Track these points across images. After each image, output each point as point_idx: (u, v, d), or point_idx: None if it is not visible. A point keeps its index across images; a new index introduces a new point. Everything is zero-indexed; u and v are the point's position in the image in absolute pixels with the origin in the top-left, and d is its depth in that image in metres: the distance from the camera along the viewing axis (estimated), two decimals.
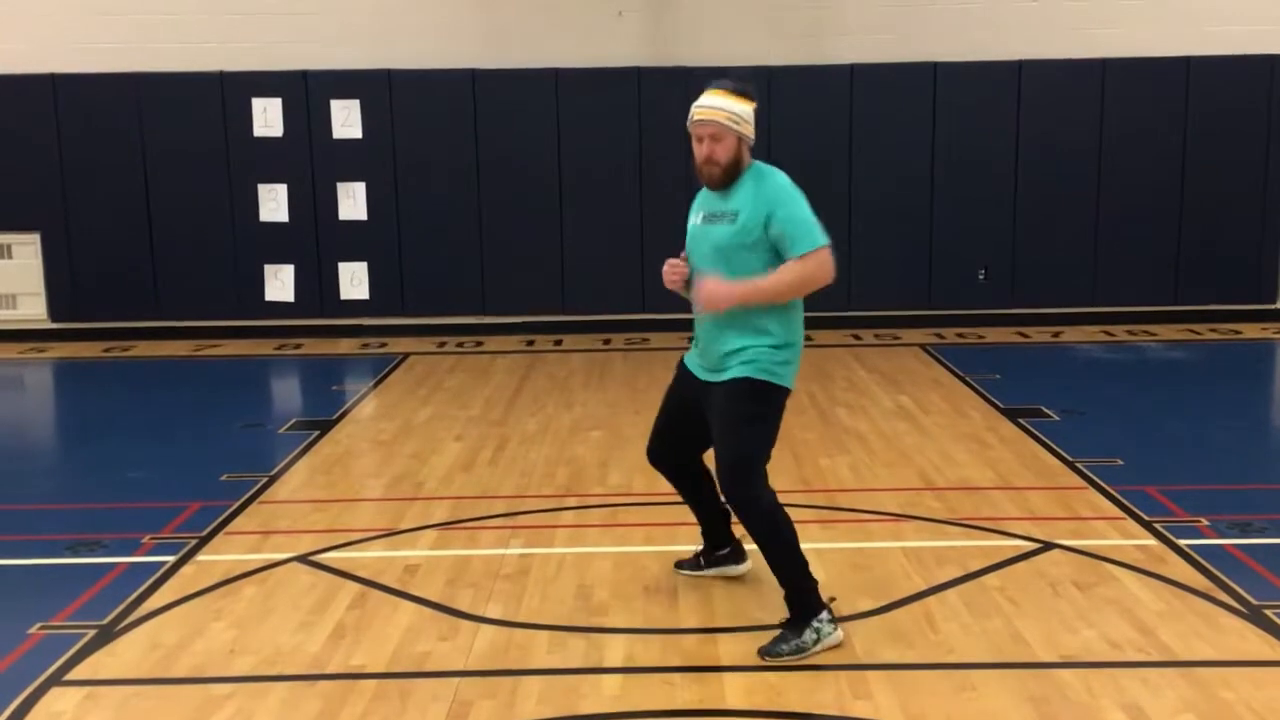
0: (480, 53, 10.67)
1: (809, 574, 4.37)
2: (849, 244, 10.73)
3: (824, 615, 4.32)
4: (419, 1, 10.73)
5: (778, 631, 4.33)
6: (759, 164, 4.44)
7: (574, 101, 10.56)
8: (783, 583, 4.37)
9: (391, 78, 10.58)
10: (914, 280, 10.83)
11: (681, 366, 4.65)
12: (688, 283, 4.47)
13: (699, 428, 4.50)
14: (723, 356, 4.38)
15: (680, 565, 5.05)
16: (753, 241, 4.29)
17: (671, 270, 4.45)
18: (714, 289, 4.26)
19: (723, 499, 4.56)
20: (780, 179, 4.37)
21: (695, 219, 4.51)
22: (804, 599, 4.32)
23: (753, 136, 4.40)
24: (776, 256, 4.30)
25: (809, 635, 4.27)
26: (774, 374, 4.34)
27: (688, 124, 4.41)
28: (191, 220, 10.65)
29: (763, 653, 4.26)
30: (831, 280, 4.32)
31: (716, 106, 4.34)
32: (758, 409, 4.33)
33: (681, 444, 4.67)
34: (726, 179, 4.37)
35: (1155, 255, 10.75)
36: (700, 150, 4.36)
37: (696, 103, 4.40)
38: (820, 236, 4.30)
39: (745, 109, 4.36)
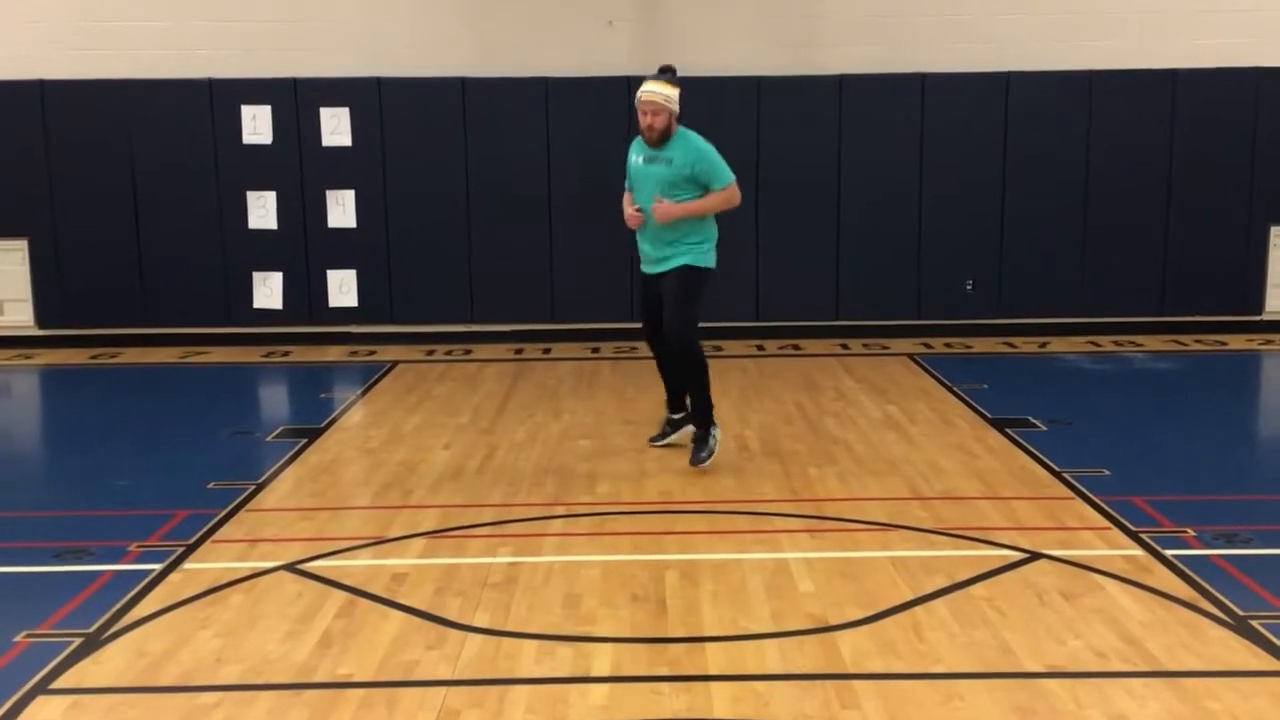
0: (470, 61, 10.68)
1: (710, 399, 6.72)
2: (837, 254, 10.80)
3: (714, 424, 6.74)
4: (409, 9, 10.74)
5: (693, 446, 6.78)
6: (683, 129, 6.58)
7: (564, 110, 10.57)
8: (697, 403, 6.71)
9: (381, 85, 10.58)
10: (902, 290, 10.85)
11: (642, 273, 6.79)
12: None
13: (659, 303, 6.65)
14: (666, 253, 6.59)
15: (654, 440, 7.13)
16: (684, 178, 6.48)
17: (632, 219, 6.64)
18: (666, 208, 6.48)
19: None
20: (699, 140, 6.55)
21: (636, 159, 6.66)
22: (708, 412, 6.71)
23: (678, 111, 6.52)
24: (701, 189, 6.51)
25: (712, 442, 6.68)
26: (701, 258, 6.59)
27: (635, 102, 6.54)
28: (180, 227, 10.63)
29: (693, 463, 6.62)
30: (739, 203, 6.65)
31: (656, 92, 6.49)
32: (694, 284, 6.57)
33: (656, 320, 6.67)
34: (661, 139, 6.52)
35: (1142, 266, 10.79)
36: (644, 120, 6.50)
37: (642, 87, 6.52)
38: (731, 175, 6.55)
39: (674, 93, 6.52)
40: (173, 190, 10.60)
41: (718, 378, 7.93)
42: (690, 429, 6.87)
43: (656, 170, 6.53)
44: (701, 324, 6.71)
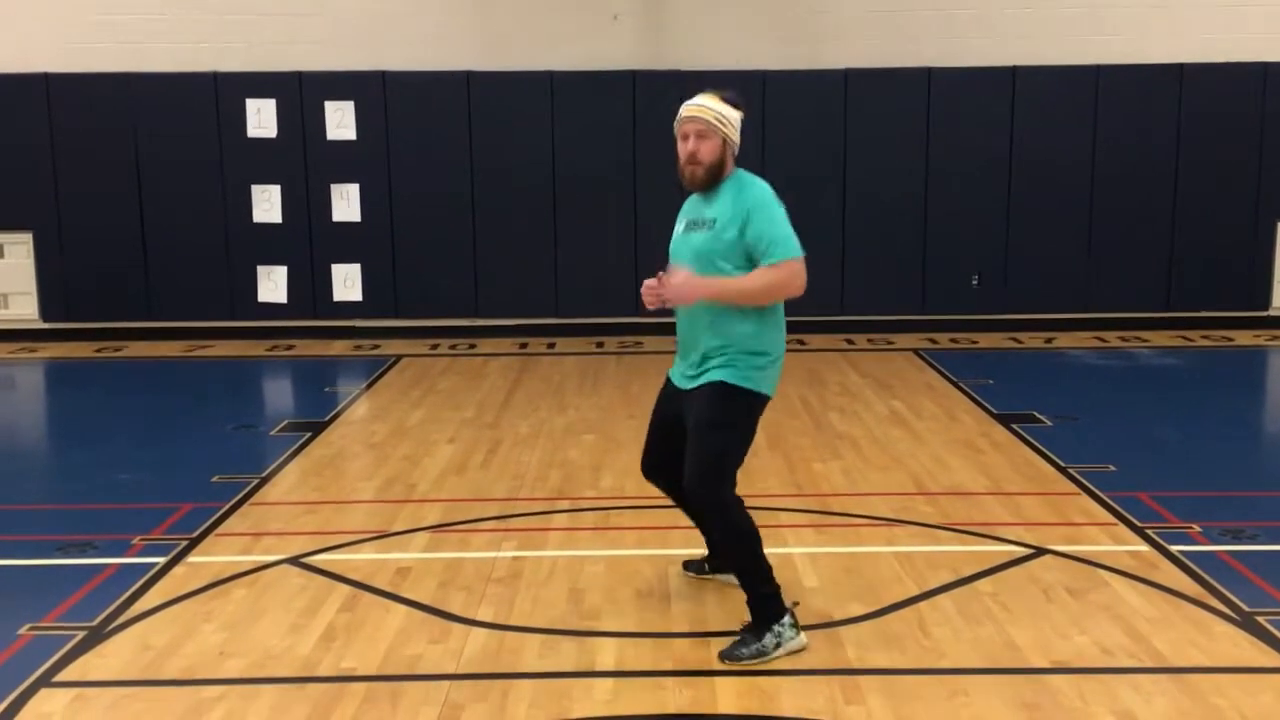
0: (475, 55, 10.66)
1: (771, 579, 4.36)
2: (843, 249, 10.78)
3: (785, 620, 4.31)
4: (414, 3, 10.73)
5: (739, 636, 4.34)
6: (742, 171, 4.46)
7: (569, 104, 10.55)
8: (745, 587, 4.38)
9: (386, 79, 10.57)
10: (907, 285, 10.83)
11: (667, 380, 4.67)
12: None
13: (675, 434, 4.49)
14: (700, 359, 4.40)
15: (688, 566, 5.06)
16: (726, 245, 4.29)
17: (649, 290, 4.32)
18: (684, 281, 4.26)
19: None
20: (761, 188, 4.38)
21: (679, 228, 4.53)
22: (765, 604, 4.32)
23: (738, 143, 4.43)
24: (752, 264, 4.29)
25: (769, 640, 4.26)
26: (751, 380, 4.34)
27: (675, 124, 4.45)
28: (184, 221, 10.63)
29: (723, 656, 4.26)
30: (800, 292, 4.32)
31: (705, 105, 4.39)
32: (731, 413, 4.34)
33: (670, 458, 4.55)
34: (709, 180, 4.38)
35: (1148, 261, 10.77)
36: (684, 148, 4.38)
37: (686, 102, 4.44)
38: (795, 248, 4.29)
39: (733, 114, 4.41)
40: (177, 184, 10.60)
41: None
42: (733, 578, 4.63)
43: (695, 240, 4.38)
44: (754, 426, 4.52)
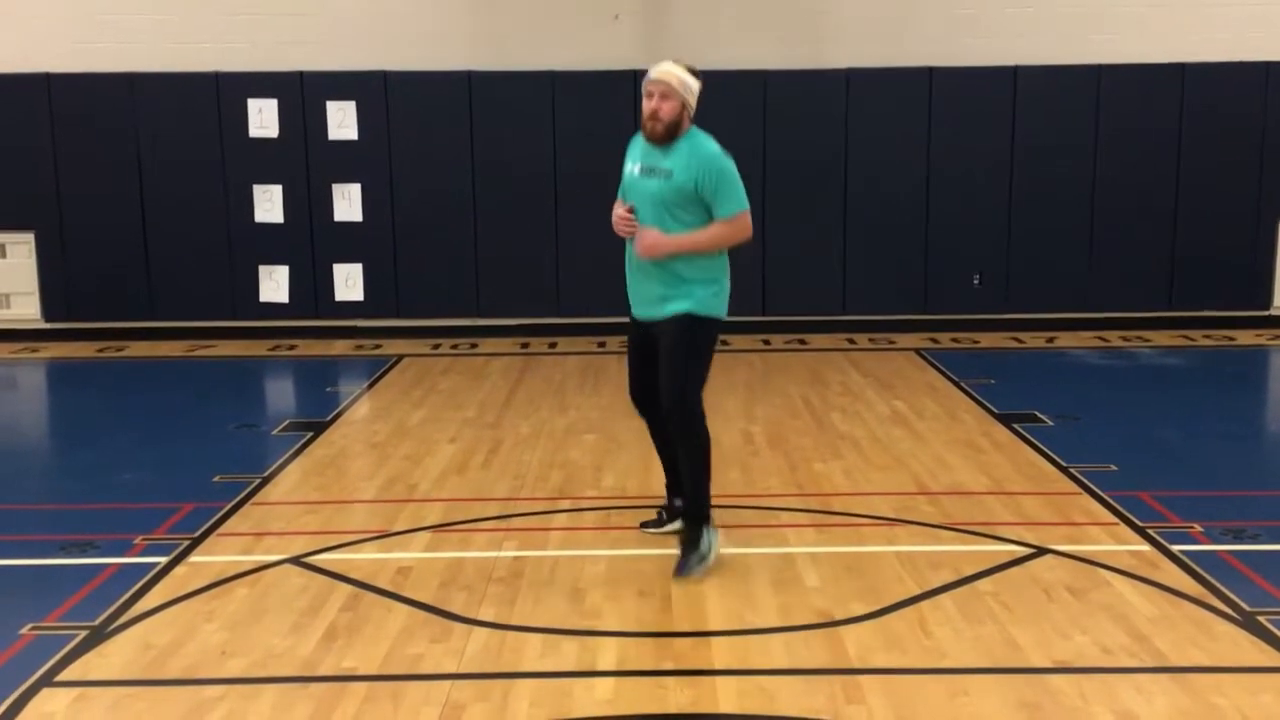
0: (476, 54, 10.66)
1: (709, 486, 5.15)
2: (844, 248, 10.78)
3: (711, 522, 5.12)
4: (415, 3, 10.73)
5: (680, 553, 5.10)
6: (695, 129, 5.07)
7: (570, 104, 10.55)
8: (691, 490, 5.14)
9: (387, 79, 10.57)
10: (909, 285, 10.83)
11: (630, 315, 5.26)
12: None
13: (654, 362, 5.13)
14: (661, 293, 5.04)
15: (646, 525, 5.60)
16: (685, 198, 4.95)
17: (626, 222, 5.04)
18: (654, 240, 4.96)
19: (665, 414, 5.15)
20: (713, 146, 5.01)
21: (632, 168, 5.14)
22: (702, 505, 5.13)
23: (694, 107, 5.07)
24: (707, 212, 4.97)
25: (704, 545, 5.06)
26: (708, 307, 5.03)
27: (643, 83, 5.07)
28: (186, 221, 10.63)
29: (678, 574, 4.98)
30: (749, 238, 5.05)
31: (670, 72, 5.03)
32: (697, 339, 5.04)
33: (649, 380, 5.18)
34: (667, 135, 5.00)
35: (1150, 261, 10.76)
36: (649, 105, 5.00)
37: (654, 67, 5.07)
38: (744, 200, 4.99)
39: (694, 82, 5.07)
40: (179, 184, 10.60)
41: (723, 373, 7.90)
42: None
43: (652, 186, 5.00)
44: (715, 344, 5.25)
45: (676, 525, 5.35)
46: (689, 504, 5.16)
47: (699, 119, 5.13)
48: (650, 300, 5.09)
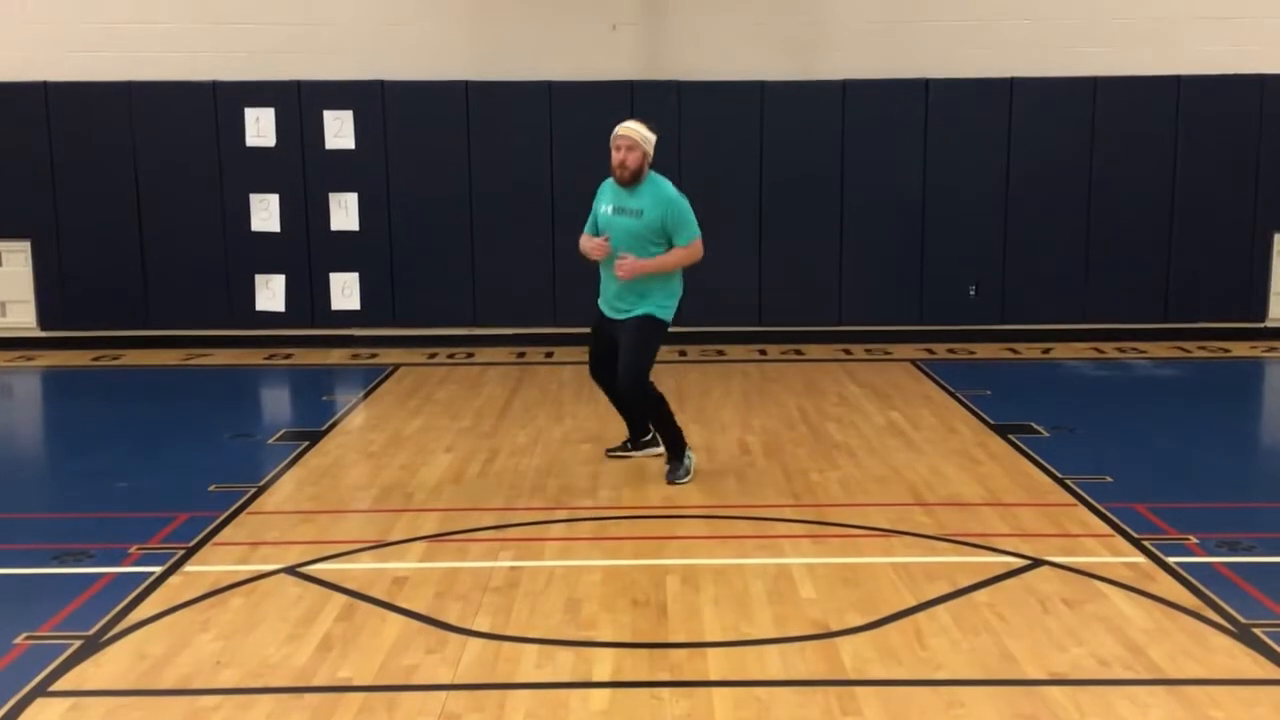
0: (473, 64, 10.68)
1: (678, 427, 6.65)
2: (840, 259, 10.80)
3: (688, 448, 6.67)
4: (412, 12, 10.75)
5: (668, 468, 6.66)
6: (654, 174, 6.50)
7: (567, 114, 10.56)
8: (664, 435, 6.65)
9: (385, 88, 10.58)
10: (905, 296, 10.84)
11: (597, 310, 6.72)
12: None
13: (614, 348, 6.54)
14: (630, 301, 6.49)
15: (610, 451, 7.06)
16: (654, 231, 6.40)
17: (600, 250, 6.47)
18: (633, 265, 6.35)
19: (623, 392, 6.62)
20: (671, 188, 6.48)
21: (605, 208, 6.58)
22: (678, 443, 6.63)
23: (652, 156, 6.45)
24: (669, 241, 6.44)
25: (687, 462, 6.60)
26: (665, 312, 6.53)
27: (611, 139, 6.41)
28: (182, 229, 10.63)
29: (669, 479, 6.50)
30: (701, 258, 6.53)
31: (632, 128, 6.40)
32: (653, 335, 6.53)
33: (607, 362, 6.60)
34: (633, 179, 6.42)
35: (1145, 273, 10.78)
36: (617, 156, 6.39)
37: (620, 125, 6.41)
38: (696, 229, 6.45)
39: (652, 137, 6.46)
40: (175, 192, 10.60)
41: (721, 381, 7.87)
42: (656, 449, 6.95)
43: (625, 223, 6.41)
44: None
45: (637, 455, 6.97)
46: (667, 444, 6.68)
47: (666, 161, 6.65)
48: (620, 306, 6.55)
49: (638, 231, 6.38)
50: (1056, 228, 10.73)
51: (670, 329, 6.70)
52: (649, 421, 6.80)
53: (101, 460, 7.28)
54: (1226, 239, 10.75)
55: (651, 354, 6.55)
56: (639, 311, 6.47)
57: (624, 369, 6.46)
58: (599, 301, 6.74)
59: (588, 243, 6.57)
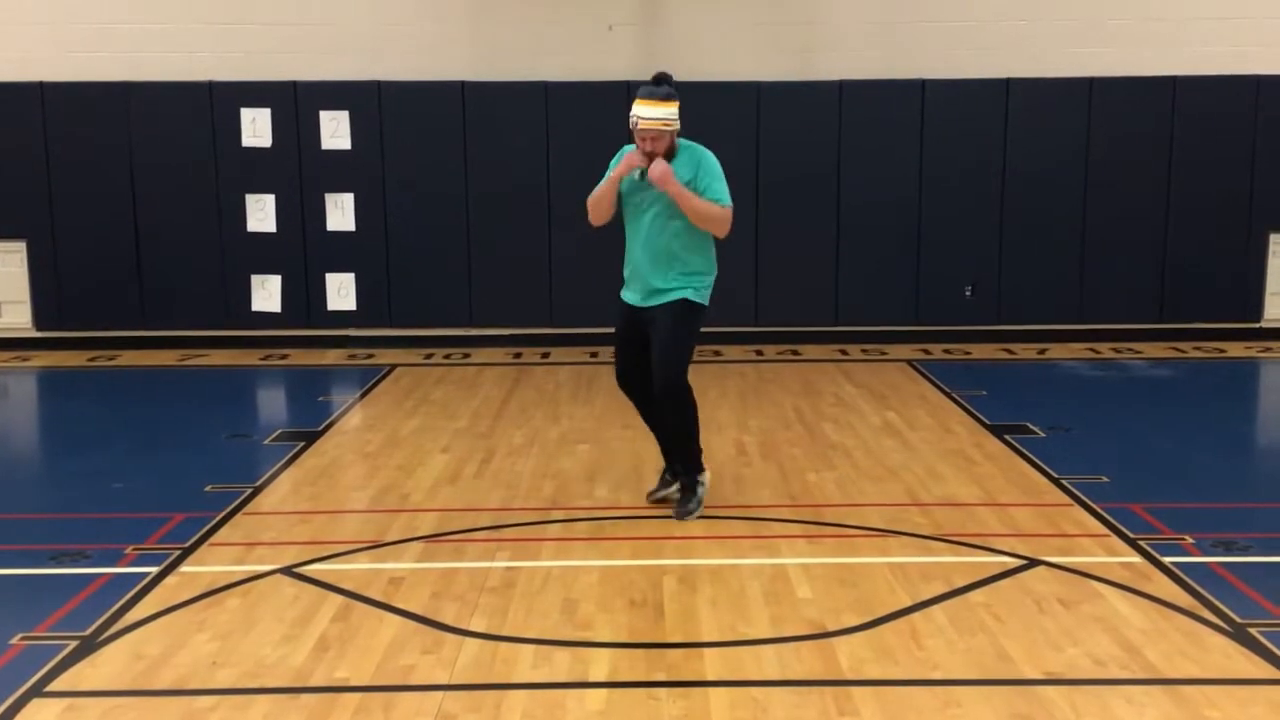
0: (470, 65, 10.68)
1: (699, 444, 5.97)
2: (836, 259, 10.80)
3: (704, 470, 6.00)
4: (409, 13, 10.74)
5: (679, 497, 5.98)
6: (684, 141, 5.77)
7: (563, 114, 10.57)
8: (684, 450, 5.94)
9: (381, 89, 10.58)
10: (901, 296, 10.85)
11: (621, 303, 5.93)
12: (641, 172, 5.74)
13: (644, 343, 5.81)
14: (662, 284, 5.75)
15: (652, 494, 6.18)
16: (686, 186, 5.63)
17: (640, 153, 5.63)
18: (666, 171, 5.57)
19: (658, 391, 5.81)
20: (708, 153, 5.76)
21: (632, 174, 5.74)
22: (696, 459, 5.96)
23: (679, 127, 5.69)
24: None
25: (700, 490, 5.95)
26: (702, 296, 5.82)
27: (631, 125, 5.64)
28: (178, 229, 10.62)
29: (678, 516, 5.85)
30: (727, 232, 5.77)
31: (656, 116, 5.61)
32: (691, 323, 5.80)
33: (637, 363, 5.87)
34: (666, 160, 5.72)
35: (1141, 273, 10.80)
36: (645, 146, 5.64)
37: (639, 112, 5.60)
38: (729, 198, 5.73)
39: (674, 110, 5.65)
40: (172, 193, 10.59)
41: (717, 381, 7.88)
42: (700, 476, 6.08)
43: (656, 188, 5.70)
44: (702, 329, 5.94)
45: (676, 489, 6.07)
46: (685, 463, 5.96)
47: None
48: (651, 290, 5.78)
49: (668, 195, 5.65)
50: (1052, 228, 10.73)
51: None
52: (677, 430, 5.94)
53: (98, 461, 7.27)
54: (1222, 239, 10.76)
55: (691, 347, 5.88)
56: (675, 295, 5.75)
57: (662, 365, 5.73)
58: (623, 292, 5.97)
59: (622, 166, 5.73)
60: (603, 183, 5.83)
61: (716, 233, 5.76)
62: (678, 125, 5.67)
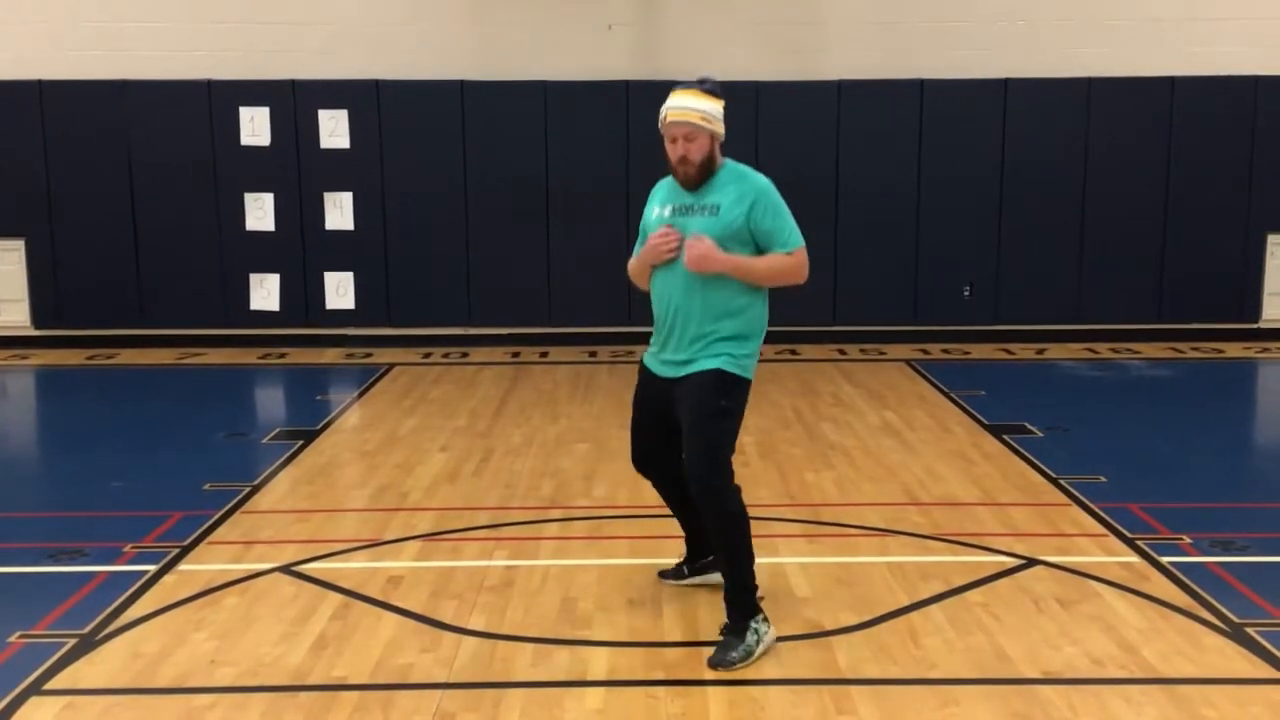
0: (469, 64, 10.68)
1: (753, 574, 4.44)
2: (835, 259, 10.80)
3: (760, 615, 4.40)
4: (408, 12, 10.74)
5: (721, 640, 4.37)
6: (733, 162, 4.54)
7: (562, 114, 10.57)
8: (730, 578, 4.41)
9: (380, 88, 10.58)
10: (900, 296, 10.85)
11: (643, 369, 4.70)
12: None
13: (671, 424, 4.54)
14: (690, 347, 4.45)
15: (664, 575, 5.09)
16: (733, 230, 4.38)
17: (666, 238, 4.40)
18: (707, 249, 4.32)
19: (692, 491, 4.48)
20: (763, 178, 4.50)
21: (661, 211, 4.55)
22: (747, 598, 4.40)
23: (723, 134, 4.49)
24: (757, 250, 4.44)
25: (751, 639, 4.33)
26: (742, 367, 4.46)
27: (660, 125, 4.48)
28: (177, 228, 10.63)
29: (713, 664, 4.27)
30: (804, 279, 4.54)
31: (688, 107, 4.40)
32: (727, 400, 4.42)
33: (662, 447, 4.64)
34: (701, 177, 4.45)
35: (1139, 273, 10.81)
36: (675, 150, 4.43)
37: (668, 103, 4.45)
38: (799, 236, 4.47)
39: (716, 107, 4.45)
40: (170, 191, 10.59)
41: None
42: (715, 576, 4.77)
43: (694, 224, 4.41)
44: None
45: (696, 580, 4.97)
46: (729, 592, 4.43)
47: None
48: (678, 360, 4.49)
49: (713, 233, 4.38)
50: (1051, 228, 10.74)
51: None
52: (716, 541, 4.49)
53: (96, 459, 7.27)
54: (1221, 240, 10.77)
55: (731, 433, 4.45)
56: (702, 365, 4.42)
57: (694, 458, 4.37)
58: (645, 356, 4.70)
59: (648, 253, 4.50)
60: (634, 258, 4.66)
61: (793, 283, 4.54)
62: (720, 128, 4.46)
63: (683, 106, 4.40)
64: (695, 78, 4.53)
